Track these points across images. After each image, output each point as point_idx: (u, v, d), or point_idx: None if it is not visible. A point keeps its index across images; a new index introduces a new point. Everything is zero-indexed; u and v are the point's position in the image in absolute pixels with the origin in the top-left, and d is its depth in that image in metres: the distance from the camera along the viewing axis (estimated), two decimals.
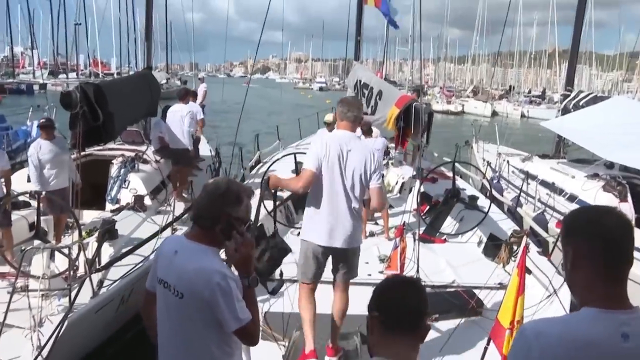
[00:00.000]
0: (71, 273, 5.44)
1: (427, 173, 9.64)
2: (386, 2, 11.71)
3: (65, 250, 5.61)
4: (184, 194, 9.61)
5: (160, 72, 16.67)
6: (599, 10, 54.33)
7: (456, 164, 9.73)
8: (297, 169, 8.49)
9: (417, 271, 5.53)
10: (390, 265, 6.05)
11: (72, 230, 7.60)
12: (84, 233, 6.63)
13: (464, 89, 74.86)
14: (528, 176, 10.95)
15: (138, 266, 5.99)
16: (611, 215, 1.75)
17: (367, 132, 8.55)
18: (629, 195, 8.78)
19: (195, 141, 11.11)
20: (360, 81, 10.53)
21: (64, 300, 5.24)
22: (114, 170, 8.97)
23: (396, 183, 10.20)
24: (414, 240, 6.05)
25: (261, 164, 11.55)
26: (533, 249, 6.17)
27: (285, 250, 4.61)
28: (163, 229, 6.70)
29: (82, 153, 8.42)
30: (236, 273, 2.55)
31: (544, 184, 10.75)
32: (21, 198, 7.59)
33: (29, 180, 7.64)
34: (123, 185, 8.75)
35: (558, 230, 7.54)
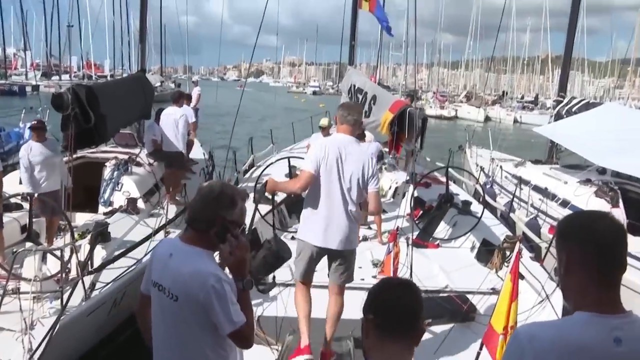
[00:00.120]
0: (63, 275, 5.41)
1: (421, 178, 9.65)
2: (381, 8, 11.76)
3: (58, 253, 5.58)
4: (177, 197, 9.59)
5: (154, 75, 16.60)
6: (591, 17, 54.78)
7: (449, 169, 9.76)
8: (291, 173, 8.49)
9: (411, 276, 5.53)
10: (384, 270, 6.06)
11: (64, 232, 7.56)
12: (76, 235, 6.60)
13: (457, 94, 75.09)
14: (521, 181, 10.99)
15: (131, 269, 5.97)
16: (604, 221, 1.76)
17: (361, 137, 8.54)
18: (620, 200, 8.82)
19: (189, 144, 11.09)
20: (354, 86, 10.53)
21: (55, 303, 5.21)
22: (107, 172, 8.94)
23: (389, 188, 10.21)
24: (407, 245, 6.06)
25: (255, 168, 11.53)
26: (526, 254, 6.18)
27: (283, 258, 4.64)
28: (156, 231, 6.69)
29: (75, 155, 8.39)
30: (231, 276, 2.55)
31: (536, 189, 10.79)
32: (13, 200, 7.55)
33: (21, 183, 7.60)
34: (116, 188, 8.72)
35: (551, 236, 7.56)
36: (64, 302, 4.87)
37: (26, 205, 7.21)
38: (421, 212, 8.93)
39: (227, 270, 2.60)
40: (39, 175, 7.42)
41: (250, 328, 2.53)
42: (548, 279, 5.59)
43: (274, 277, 4.56)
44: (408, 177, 9.77)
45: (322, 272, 4.72)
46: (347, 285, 4.65)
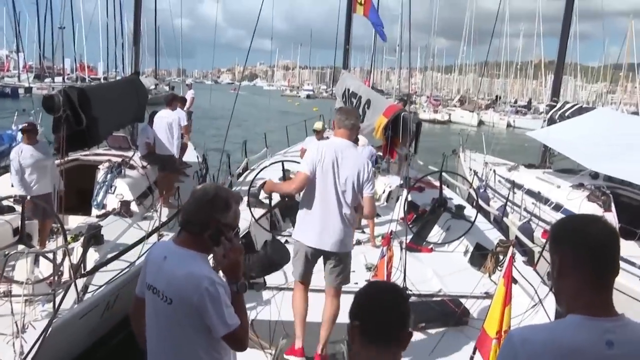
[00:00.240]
0: (56, 278, 5.39)
1: (415, 182, 9.67)
2: (375, 12, 11.78)
3: (50, 255, 5.56)
4: (170, 200, 9.57)
5: (148, 78, 16.60)
6: (584, 22, 55.02)
7: (443, 173, 9.78)
8: (285, 176, 8.48)
9: (404, 280, 5.54)
10: (377, 274, 6.05)
11: (57, 235, 7.53)
12: (69, 238, 6.58)
13: (450, 98, 75.29)
14: (514, 186, 11.04)
15: (124, 272, 5.95)
16: (597, 224, 1.77)
17: (354, 141, 8.54)
18: (612, 205, 8.87)
19: (182, 147, 11.07)
20: (348, 90, 10.56)
21: (48, 306, 5.18)
22: (100, 175, 8.91)
23: (383, 192, 10.21)
24: (401, 249, 6.07)
25: (249, 171, 11.51)
26: (519, 258, 6.20)
27: (276, 264, 4.68)
28: (149, 234, 6.67)
29: (68, 158, 8.36)
30: (225, 279, 2.54)
31: (529, 193, 10.83)
32: (5, 203, 7.51)
33: (13, 185, 7.56)
34: (109, 191, 8.69)
35: (544, 240, 7.59)
36: (56, 305, 4.84)
37: (18, 208, 7.17)
38: (415, 216, 8.94)
39: (221, 273, 2.59)
40: (30, 178, 7.38)
41: (244, 330, 2.53)
42: (541, 284, 5.61)
43: (264, 280, 4.58)
44: (402, 181, 9.79)
45: (317, 274, 4.74)
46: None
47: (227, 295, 2.46)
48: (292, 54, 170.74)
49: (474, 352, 4.25)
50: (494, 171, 13.04)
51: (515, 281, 5.58)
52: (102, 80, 29.32)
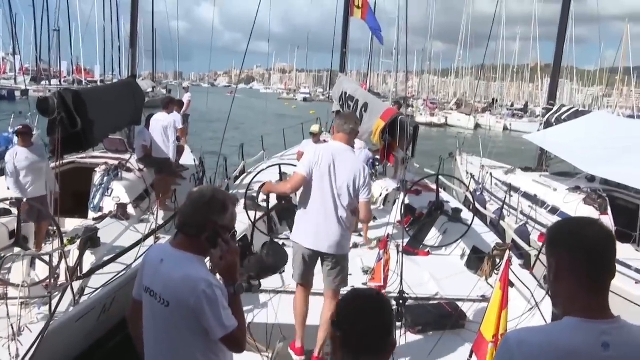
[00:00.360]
0: (52, 281, 5.38)
1: (411, 185, 9.67)
2: (372, 15, 11.80)
3: (46, 258, 5.55)
4: (167, 203, 9.55)
5: (145, 81, 16.57)
6: (580, 26, 55.27)
7: (440, 177, 9.79)
8: (282, 179, 8.47)
9: (401, 283, 5.54)
10: (374, 278, 6.06)
11: (53, 237, 7.51)
12: (65, 241, 6.55)
13: (447, 101, 75.40)
14: (511, 189, 11.05)
15: (120, 274, 5.93)
16: (593, 227, 1.78)
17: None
18: (609, 208, 8.89)
19: (179, 150, 11.06)
20: (345, 93, 10.55)
21: (44, 308, 5.16)
22: (97, 178, 8.89)
23: (380, 195, 10.22)
24: (398, 252, 6.07)
25: (246, 174, 11.50)
26: (515, 261, 6.20)
27: (271, 267, 4.71)
28: (146, 237, 6.65)
29: (65, 161, 8.33)
30: (222, 281, 2.54)
31: (526, 196, 10.85)
32: (1, 205, 7.49)
33: (9, 188, 7.55)
34: (106, 194, 8.67)
35: (540, 243, 7.60)
36: (52, 308, 4.83)
37: (14, 211, 7.15)
38: (411, 219, 8.94)
39: (218, 275, 2.60)
40: (25, 181, 7.36)
41: (242, 332, 2.53)
42: (537, 287, 5.62)
43: (259, 282, 4.59)
44: (398, 185, 9.79)
45: (316, 277, 4.76)
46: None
47: (225, 297, 2.46)
48: (289, 57, 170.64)
49: (470, 356, 4.25)
50: (491, 174, 13.06)
51: (512, 284, 5.57)
52: (98, 83, 29.23)
